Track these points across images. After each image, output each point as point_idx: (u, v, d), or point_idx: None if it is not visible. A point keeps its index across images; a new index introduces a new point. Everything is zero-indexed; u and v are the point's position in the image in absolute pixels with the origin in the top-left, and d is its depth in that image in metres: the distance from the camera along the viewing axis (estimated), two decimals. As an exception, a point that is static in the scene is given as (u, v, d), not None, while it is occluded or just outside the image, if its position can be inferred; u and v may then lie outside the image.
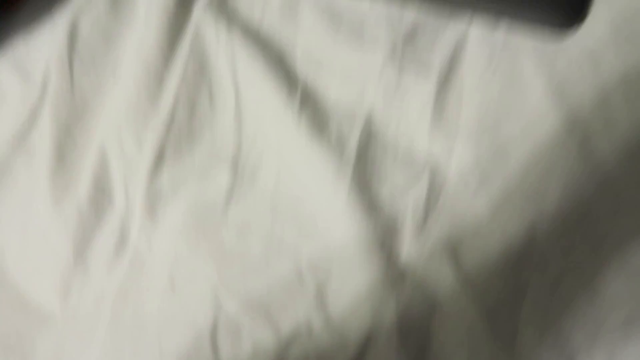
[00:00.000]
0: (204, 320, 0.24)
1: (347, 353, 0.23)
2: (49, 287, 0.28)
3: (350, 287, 0.24)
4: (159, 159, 0.28)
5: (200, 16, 0.31)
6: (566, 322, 0.22)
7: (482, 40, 0.27)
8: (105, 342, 0.26)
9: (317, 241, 0.25)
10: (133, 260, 0.26)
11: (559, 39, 0.26)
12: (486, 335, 0.22)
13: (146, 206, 0.27)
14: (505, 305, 0.22)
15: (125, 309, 0.26)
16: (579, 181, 0.24)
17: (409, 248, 0.24)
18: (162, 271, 0.26)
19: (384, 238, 0.24)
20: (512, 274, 0.22)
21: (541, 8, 0.25)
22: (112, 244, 0.27)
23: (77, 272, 0.27)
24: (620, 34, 0.25)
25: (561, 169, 0.24)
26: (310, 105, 0.28)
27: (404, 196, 0.25)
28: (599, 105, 0.24)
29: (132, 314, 0.25)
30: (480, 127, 0.25)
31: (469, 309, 0.23)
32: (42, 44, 0.31)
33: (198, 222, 0.26)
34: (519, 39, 0.27)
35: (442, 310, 0.23)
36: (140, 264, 0.26)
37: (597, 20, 0.25)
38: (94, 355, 0.26)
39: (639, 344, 0.23)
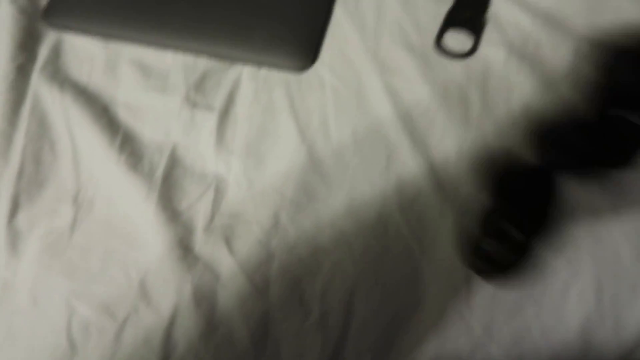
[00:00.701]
0: (61, 323, 0.32)
1: (163, 323, 0.31)
2: None
3: (162, 277, 0.32)
4: (15, 205, 0.35)
5: (37, 81, 0.38)
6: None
7: (251, 77, 0.37)
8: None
9: (139, 249, 0.33)
10: (2, 289, 0.33)
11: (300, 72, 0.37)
12: (259, 301, 0.31)
13: (7, 245, 0.34)
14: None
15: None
16: (305, 177, 0.34)
17: (200, 241, 0.33)
18: (25, 292, 0.33)
19: (183, 236, 0.33)
20: (265, 250, 0.32)
21: (275, 61, 0.35)
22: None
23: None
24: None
25: (296, 170, 0.34)
26: (129, 145, 0.36)
27: (197, 204, 0.34)
28: (320, 123, 0.35)
29: (5, 333, 0.32)
30: (247, 145, 0.35)
31: (243, 282, 0.32)
32: None
33: (50, 249, 0.33)
34: (274, 74, 0.36)
35: (224, 284, 0.32)
36: (8, 290, 0.33)
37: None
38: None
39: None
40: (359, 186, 0.34)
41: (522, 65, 0.36)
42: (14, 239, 0.34)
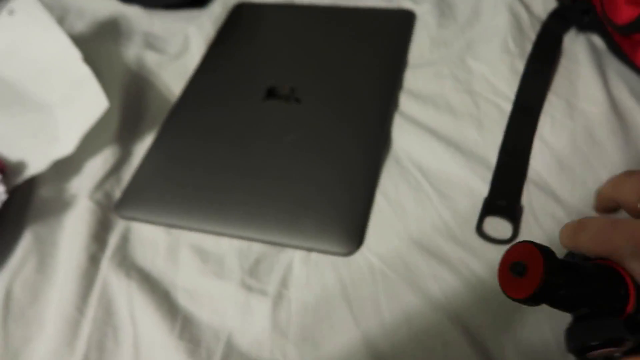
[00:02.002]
0: None
1: None
2: None
3: None
4: None
5: (106, 269, 0.42)
6: None
7: (302, 261, 0.40)
8: None
9: None
10: None
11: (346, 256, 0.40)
12: None
13: None
14: None
15: None
16: None
17: None
18: None
19: None
20: None
21: (322, 247, 0.40)
22: None
23: None
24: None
25: (352, 357, 0.35)
26: (187, 331, 0.38)
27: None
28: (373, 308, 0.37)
29: None
30: (303, 330, 0.37)
31: None
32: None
33: None
34: (325, 258, 0.40)
35: None
36: None
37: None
38: None
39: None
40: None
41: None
42: None
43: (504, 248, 0.41)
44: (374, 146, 0.47)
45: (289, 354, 0.36)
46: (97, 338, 0.38)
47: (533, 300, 0.20)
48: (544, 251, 0.21)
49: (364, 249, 0.42)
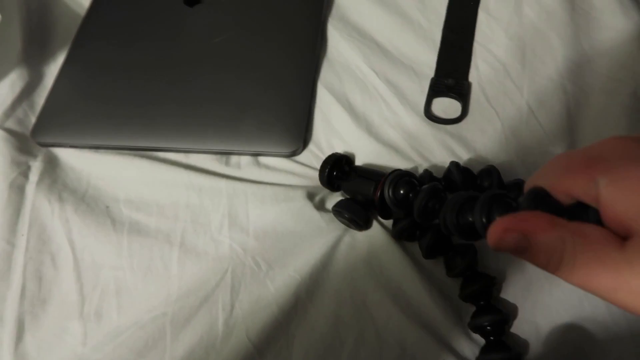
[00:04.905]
0: None
1: None
2: None
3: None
4: (20, 329, 0.33)
5: (33, 195, 0.37)
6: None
7: (252, 162, 0.39)
8: None
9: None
10: None
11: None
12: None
13: None
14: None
15: None
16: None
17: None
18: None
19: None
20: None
21: (267, 150, 0.38)
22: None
23: None
24: None
25: None
26: (136, 240, 0.35)
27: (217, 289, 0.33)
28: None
29: None
30: (263, 224, 0.36)
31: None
32: None
33: None
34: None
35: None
36: None
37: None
38: None
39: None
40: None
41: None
42: (22, 367, 0.32)
43: (455, 128, 0.40)
44: (309, 39, 0.44)
45: (249, 247, 0.34)
46: (33, 268, 0.35)
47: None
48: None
49: (312, 146, 0.40)
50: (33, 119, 0.42)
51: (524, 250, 0.17)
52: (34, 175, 0.38)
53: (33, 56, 0.45)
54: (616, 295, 0.16)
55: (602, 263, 0.16)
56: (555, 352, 0.31)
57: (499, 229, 0.18)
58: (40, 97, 0.43)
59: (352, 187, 0.35)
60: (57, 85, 0.43)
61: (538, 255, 0.17)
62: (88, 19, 0.47)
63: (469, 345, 0.31)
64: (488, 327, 0.30)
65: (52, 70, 0.45)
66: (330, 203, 0.37)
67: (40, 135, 0.40)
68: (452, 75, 0.41)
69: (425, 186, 0.30)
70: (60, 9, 0.49)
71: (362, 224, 0.34)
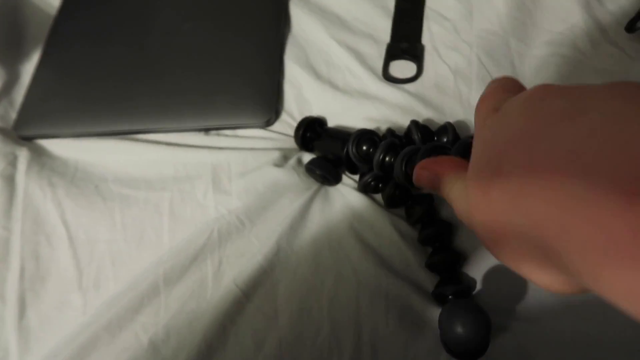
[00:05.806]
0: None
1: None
2: None
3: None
4: (21, 306, 0.35)
5: (24, 182, 0.39)
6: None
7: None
8: None
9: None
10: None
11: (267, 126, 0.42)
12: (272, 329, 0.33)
13: (20, 346, 0.34)
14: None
15: None
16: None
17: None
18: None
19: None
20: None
21: (243, 123, 0.41)
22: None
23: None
24: None
25: None
26: (128, 214, 0.38)
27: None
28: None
29: None
30: (246, 186, 0.38)
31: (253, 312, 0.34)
32: None
33: (65, 343, 0.33)
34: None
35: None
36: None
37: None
38: None
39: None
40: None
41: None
42: (27, 338, 0.34)
43: (414, 87, 0.44)
44: (274, 19, 0.47)
45: (233, 208, 0.37)
46: (30, 249, 0.37)
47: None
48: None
49: (285, 116, 0.42)
50: (14, 115, 0.43)
51: (436, 187, 0.21)
52: (22, 165, 0.40)
53: (8, 58, 0.47)
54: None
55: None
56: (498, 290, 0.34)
57: (418, 168, 0.22)
58: (19, 94, 0.45)
59: (323, 147, 0.38)
60: (35, 81, 0.45)
61: (444, 190, 0.21)
62: (60, 17, 0.49)
63: (429, 279, 0.34)
64: (442, 265, 0.34)
65: (28, 68, 0.47)
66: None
67: (22, 129, 0.42)
68: (406, 39, 0.44)
69: (382, 142, 0.33)
70: (31, 9, 0.51)
71: (333, 179, 0.37)
